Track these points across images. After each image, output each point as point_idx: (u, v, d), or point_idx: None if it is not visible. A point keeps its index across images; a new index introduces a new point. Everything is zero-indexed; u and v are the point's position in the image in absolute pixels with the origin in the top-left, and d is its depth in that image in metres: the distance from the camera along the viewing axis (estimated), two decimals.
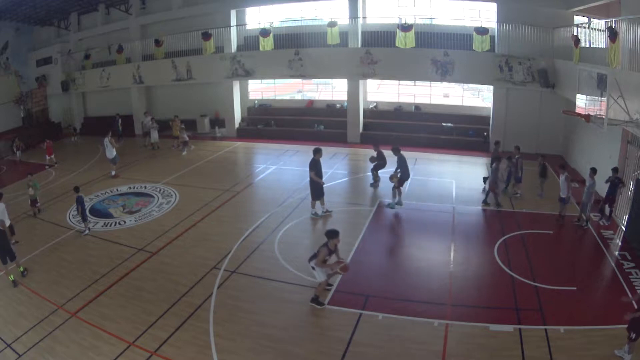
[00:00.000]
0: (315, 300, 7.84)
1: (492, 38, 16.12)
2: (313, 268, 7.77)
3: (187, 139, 18.99)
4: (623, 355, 6.22)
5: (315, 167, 11.37)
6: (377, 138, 16.30)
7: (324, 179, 11.81)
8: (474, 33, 15.93)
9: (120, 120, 21.86)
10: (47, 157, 18.01)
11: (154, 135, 19.57)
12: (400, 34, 16.85)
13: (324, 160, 12.15)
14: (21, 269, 9.13)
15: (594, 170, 10.48)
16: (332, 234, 7.59)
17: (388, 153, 12.96)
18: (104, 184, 15.11)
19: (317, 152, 11.47)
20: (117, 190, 14.49)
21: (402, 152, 12.20)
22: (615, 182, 10.46)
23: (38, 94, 24.22)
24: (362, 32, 18.73)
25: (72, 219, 12.16)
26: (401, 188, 12.21)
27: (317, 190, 11.48)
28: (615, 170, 10.55)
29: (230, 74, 20.21)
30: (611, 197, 10.71)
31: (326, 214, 11.71)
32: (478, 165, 16.09)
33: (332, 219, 11.60)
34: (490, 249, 9.75)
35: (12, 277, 8.85)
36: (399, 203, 12.09)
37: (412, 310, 7.61)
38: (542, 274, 8.57)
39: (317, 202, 11.64)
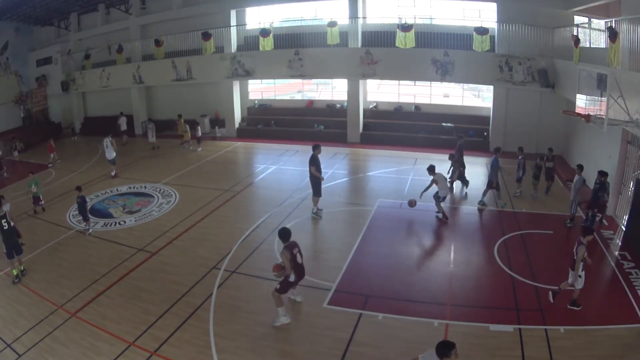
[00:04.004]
0: (574, 303, 7.50)
1: (492, 38, 16.11)
2: (580, 276, 7.25)
3: (199, 135, 19.33)
4: None
5: (314, 162, 11.42)
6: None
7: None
8: (474, 33, 15.92)
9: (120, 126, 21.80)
10: (51, 155, 18.08)
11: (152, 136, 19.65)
12: (400, 34, 16.84)
13: (324, 160, 12.14)
14: (22, 268, 9.17)
15: (580, 167, 10.47)
16: (590, 231, 7.33)
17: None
18: (104, 184, 15.11)
19: (316, 149, 11.53)
20: (117, 190, 14.49)
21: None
22: (596, 188, 10.15)
23: (38, 94, 24.23)
24: (362, 32, 18.72)
25: (72, 219, 12.16)
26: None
27: (317, 185, 11.54)
28: (601, 173, 10.14)
29: (230, 74, 20.21)
30: (594, 202, 10.28)
31: (318, 212, 11.72)
32: (478, 165, 16.07)
33: (333, 218, 11.61)
34: (490, 249, 9.75)
35: (15, 272, 8.94)
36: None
37: (412, 310, 7.61)
38: (542, 274, 8.57)
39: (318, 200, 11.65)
